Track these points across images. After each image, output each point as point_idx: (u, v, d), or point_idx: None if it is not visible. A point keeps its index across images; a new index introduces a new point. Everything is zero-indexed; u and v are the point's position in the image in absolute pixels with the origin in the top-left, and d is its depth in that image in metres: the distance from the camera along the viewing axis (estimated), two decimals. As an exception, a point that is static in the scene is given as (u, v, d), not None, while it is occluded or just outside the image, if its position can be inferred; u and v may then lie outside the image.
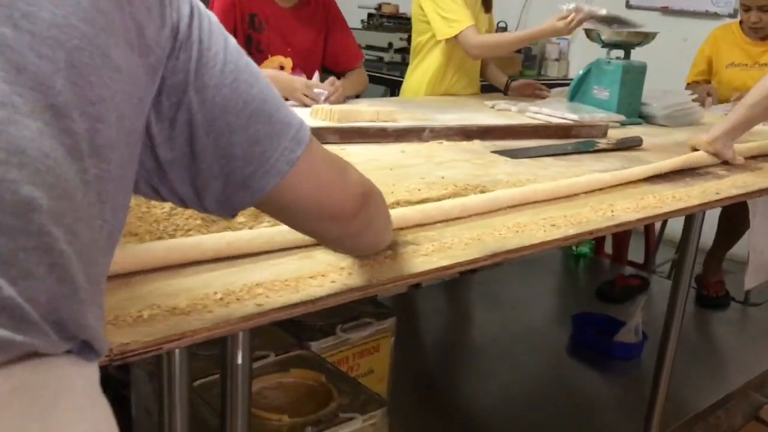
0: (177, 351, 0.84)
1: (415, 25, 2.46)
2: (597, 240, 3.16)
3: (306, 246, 0.95)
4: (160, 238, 0.93)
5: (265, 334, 1.43)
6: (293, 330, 1.45)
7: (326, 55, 2.32)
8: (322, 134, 1.57)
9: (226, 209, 0.69)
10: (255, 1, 2.14)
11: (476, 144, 1.70)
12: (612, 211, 1.21)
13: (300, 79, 2.06)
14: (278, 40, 2.19)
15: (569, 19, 2.12)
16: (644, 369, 2.13)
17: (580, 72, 2.22)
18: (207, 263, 0.87)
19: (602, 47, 2.19)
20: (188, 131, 0.61)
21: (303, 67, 2.24)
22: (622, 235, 3.06)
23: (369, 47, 4.55)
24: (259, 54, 2.19)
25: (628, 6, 4.08)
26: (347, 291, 0.84)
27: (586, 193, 1.32)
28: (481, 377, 2.16)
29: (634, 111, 2.15)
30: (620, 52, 2.20)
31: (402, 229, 1.03)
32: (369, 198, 0.78)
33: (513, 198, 1.18)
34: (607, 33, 2.14)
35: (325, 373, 1.30)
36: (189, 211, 0.98)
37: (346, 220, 0.76)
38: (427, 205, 1.09)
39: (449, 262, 0.94)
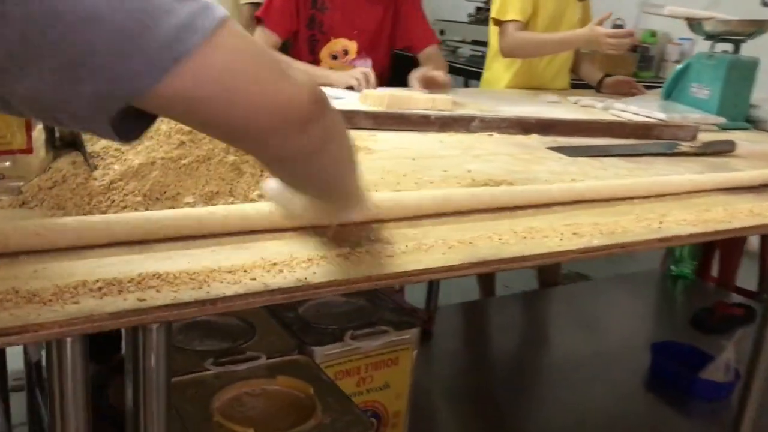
0: (68, 341, 0.70)
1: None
2: (702, 261, 2.82)
3: (254, 232, 0.80)
4: (88, 214, 0.81)
5: (264, 333, 1.29)
6: (298, 332, 1.31)
7: (395, 36, 2.15)
8: (352, 118, 1.42)
9: (100, 132, 0.52)
10: None
11: (533, 138, 1.49)
12: (660, 223, 0.98)
13: (349, 72, 1.93)
14: (343, 21, 2.05)
15: (614, 40, 1.92)
16: (733, 414, 1.83)
17: (678, 67, 1.94)
18: (129, 244, 0.74)
19: (705, 39, 1.90)
20: (12, 43, 0.46)
21: (369, 50, 2.09)
22: (729, 256, 2.71)
23: (475, 42, 4.35)
24: (322, 36, 2.07)
25: (764, 4, 3.65)
26: (265, 293, 0.68)
27: (641, 198, 1.10)
28: (539, 405, 1.93)
29: (741, 114, 1.85)
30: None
31: (375, 222, 0.86)
32: (325, 105, 0.57)
33: (506, 197, 0.98)
34: (710, 23, 1.85)
35: (315, 385, 1.14)
36: (131, 185, 0.85)
37: (291, 130, 0.55)
38: (400, 193, 0.91)
39: (416, 267, 0.76)
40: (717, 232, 0.99)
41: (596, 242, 0.89)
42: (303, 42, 2.06)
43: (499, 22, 2.13)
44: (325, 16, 2.03)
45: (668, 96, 1.95)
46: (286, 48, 2.07)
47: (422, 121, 1.46)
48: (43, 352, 1.47)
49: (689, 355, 2.03)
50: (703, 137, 1.59)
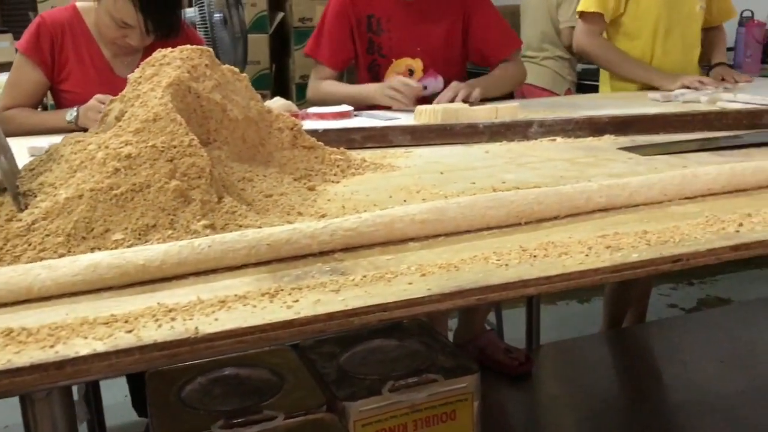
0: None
1: None
2: None
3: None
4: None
5: (293, 388, 1.12)
6: (332, 384, 1.13)
7: (469, 47, 1.95)
8: (386, 135, 1.25)
9: None
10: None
11: (605, 140, 1.25)
12: (740, 225, 0.73)
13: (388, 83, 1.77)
14: (403, 40, 1.88)
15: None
16: None
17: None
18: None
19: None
20: None
21: (438, 66, 1.90)
22: None
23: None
24: (383, 59, 1.91)
25: None
26: (134, 349, 0.52)
27: (726, 194, 0.85)
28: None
29: None
30: None
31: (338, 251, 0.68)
32: None
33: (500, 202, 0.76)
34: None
35: (336, 450, 0.96)
36: (54, 224, 0.72)
37: None
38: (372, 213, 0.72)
39: (360, 305, 0.57)
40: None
41: (635, 257, 0.65)
42: (364, 69, 1.92)
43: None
44: (383, 39, 1.87)
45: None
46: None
47: (469, 131, 1.26)
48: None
49: None
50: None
